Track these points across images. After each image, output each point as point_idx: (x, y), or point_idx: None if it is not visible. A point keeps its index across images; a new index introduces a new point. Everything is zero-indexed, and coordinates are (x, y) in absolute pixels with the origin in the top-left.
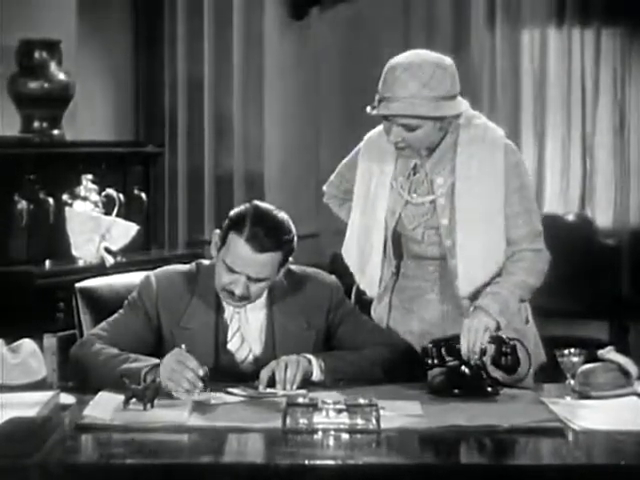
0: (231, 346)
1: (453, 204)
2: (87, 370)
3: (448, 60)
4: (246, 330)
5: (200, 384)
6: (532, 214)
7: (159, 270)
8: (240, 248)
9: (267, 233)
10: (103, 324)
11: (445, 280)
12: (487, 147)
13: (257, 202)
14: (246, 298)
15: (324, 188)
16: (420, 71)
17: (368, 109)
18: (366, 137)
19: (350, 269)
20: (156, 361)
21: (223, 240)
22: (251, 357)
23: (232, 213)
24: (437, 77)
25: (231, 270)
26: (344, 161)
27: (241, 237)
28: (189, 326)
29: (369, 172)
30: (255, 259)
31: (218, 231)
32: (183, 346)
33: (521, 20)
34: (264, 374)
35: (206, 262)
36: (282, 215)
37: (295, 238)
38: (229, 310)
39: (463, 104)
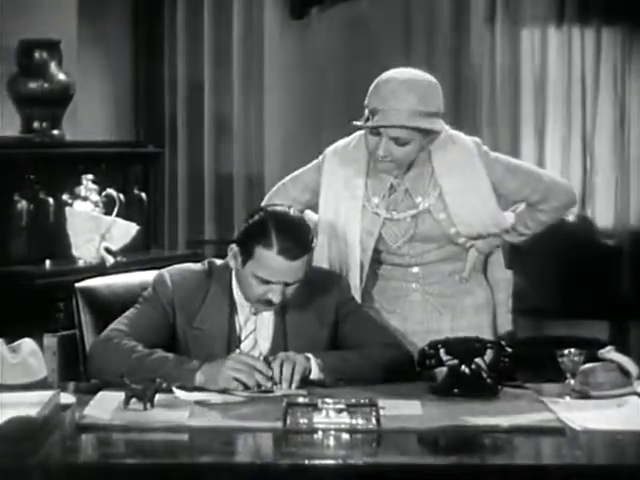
0: (244, 347)
1: (444, 206)
2: (119, 368)
3: (434, 79)
4: (260, 331)
5: (269, 384)
6: (539, 180)
7: (172, 268)
8: (272, 261)
9: (296, 242)
10: (122, 319)
11: (428, 280)
12: (460, 150)
13: (271, 209)
14: (282, 302)
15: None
16: (417, 85)
17: (358, 123)
18: (326, 161)
19: None
20: (195, 362)
21: (248, 254)
22: (261, 358)
23: (250, 226)
24: (430, 94)
25: (267, 282)
26: (292, 182)
27: (271, 250)
28: (202, 327)
29: (335, 197)
30: (290, 267)
31: (234, 246)
32: (238, 350)
33: (521, 19)
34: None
35: (218, 261)
36: (298, 216)
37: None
38: (244, 312)
39: (442, 122)
